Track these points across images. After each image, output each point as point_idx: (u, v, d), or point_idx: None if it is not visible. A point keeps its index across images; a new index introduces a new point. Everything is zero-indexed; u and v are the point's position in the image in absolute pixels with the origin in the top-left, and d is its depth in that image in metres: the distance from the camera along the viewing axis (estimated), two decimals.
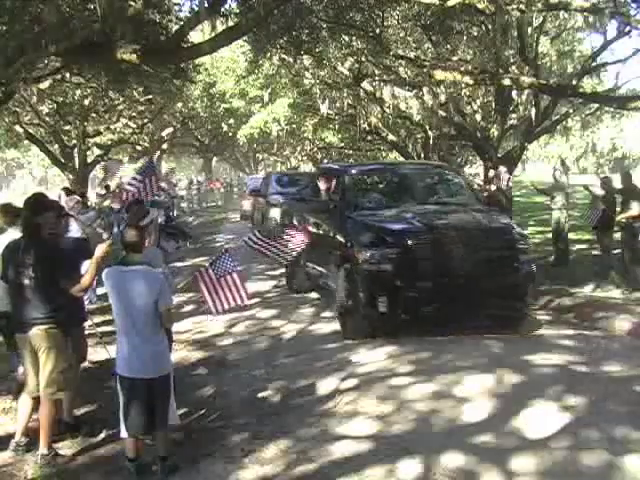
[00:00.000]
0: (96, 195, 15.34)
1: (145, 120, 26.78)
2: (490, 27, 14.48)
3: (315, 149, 31.52)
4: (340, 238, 7.34)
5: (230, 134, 33.97)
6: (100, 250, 4.15)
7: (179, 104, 26.76)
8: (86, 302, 5.73)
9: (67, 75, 15.21)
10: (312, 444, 4.25)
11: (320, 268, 8.19)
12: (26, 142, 23.94)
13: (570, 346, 6.24)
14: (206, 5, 8.67)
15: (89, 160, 24.74)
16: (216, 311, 5.34)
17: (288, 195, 13.43)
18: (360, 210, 7.47)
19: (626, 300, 8.26)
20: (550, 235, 11.48)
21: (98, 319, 6.77)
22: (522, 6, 11.47)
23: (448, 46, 15.96)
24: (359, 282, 6.62)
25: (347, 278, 6.91)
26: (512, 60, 15.48)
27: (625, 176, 9.46)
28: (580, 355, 5.90)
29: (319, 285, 8.62)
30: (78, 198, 8.94)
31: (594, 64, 16.07)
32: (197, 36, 11.20)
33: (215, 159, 47.17)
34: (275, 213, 13.22)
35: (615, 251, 9.62)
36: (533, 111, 15.92)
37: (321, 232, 8.00)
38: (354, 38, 15.23)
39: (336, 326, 7.36)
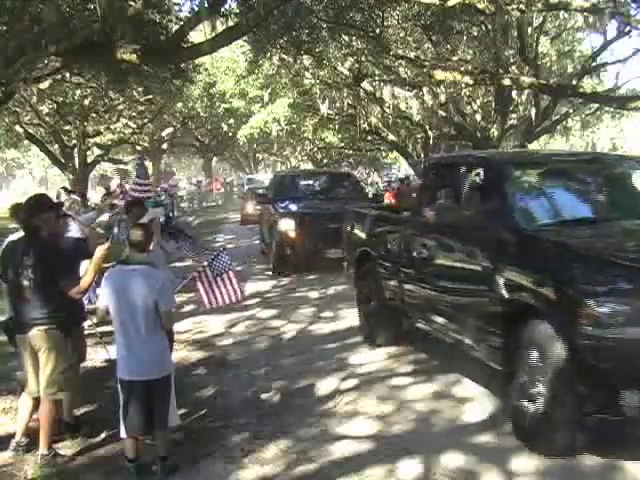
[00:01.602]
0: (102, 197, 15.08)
1: (145, 120, 26.86)
2: (490, 27, 14.52)
3: (315, 149, 31.57)
4: (513, 274, 4.15)
5: (230, 134, 34.01)
6: (99, 252, 4.15)
7: (179, 104, 26.81)
8: (86, 302, 5.72)
9: (67, 75, 15.26)
10: (312, 444, 4.25)
11: (452, 324, 5.06)
12: (26, 142, 24.03)
13: None
14: (206, 5, 8.69)
15: (89, 160, 24.79)
16: (210, 304, 5.39)
17: (304, 201, 11.31)
18: (541, 227, 4.44)
19: None
20: None
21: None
22: (522, 6, 11.50)
23: (448, 46, 15.99)
24: (582, 358, 3.59)
25: (541, 350, 3.85)
26: (512, 60, 15.51)
27: None
28: None
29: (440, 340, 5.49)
30: (75, 198, 8.94)
31: (594, 64, 16.10)
32: (197, 36, 11.20)
33: (215, 159, 47.20)
34: (287, 225, 10.61)
35: None
36: (533, 111, 15.95)
37: (452, 262, 5.00)
38: (354, 38, 15.26)
39: (336, 326, 7.34)
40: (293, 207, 11.03)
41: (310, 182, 13.09)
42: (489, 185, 4.99)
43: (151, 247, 4.20)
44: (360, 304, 6.80)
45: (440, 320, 5.24)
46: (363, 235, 6.85)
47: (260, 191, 15.64)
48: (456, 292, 4.95)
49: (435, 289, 5.24)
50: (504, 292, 4.20)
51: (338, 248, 9.49)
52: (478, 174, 5.23)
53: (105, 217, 8.62)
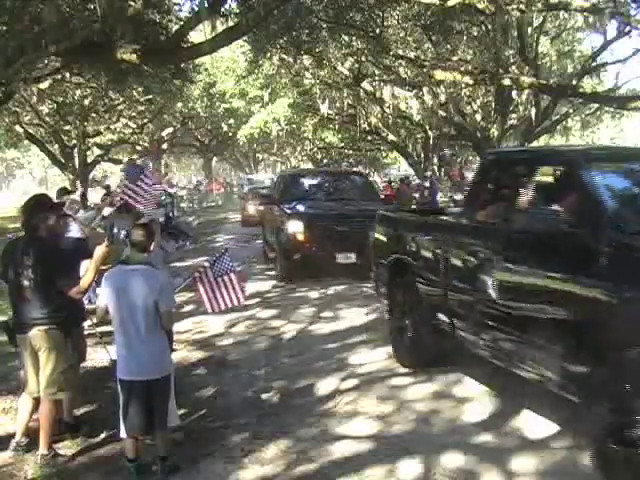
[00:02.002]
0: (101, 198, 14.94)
1: (145, 120, 26.90)
2: (490, 27, 14.55)
3: (315, 149, 31.62)
4: (604, 292, 3.38)
5: (230, 134, 34.05)
6: (99, 252, 4.15)
7: (179, 104, 26.85)
8: (86, 302, 5.72)
9: (67, 75, 15.29)
10: (312, 444, 4.25)
11: (520, 349, 4.15)
12: (26, 142, 24.06)
13: None
14: (206, 5, 8.70)
15: (89, 160, 24.82)
16: (212, 309, 5.38)
17: (313, 202, 10.62)
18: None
19: None
20: None
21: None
22: (522, 6, 11.51)
23: (448, 46, 16.03)
24: None
25: None
26: (512, 60, 15.54)
27: None
28: None
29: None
30: (74, 197, 8.92)
31: (594, 64, 16.14)
32: (197, 36, 11.21)
33: (215, 159, 47.24)
34: (295, 227, 9.81)
35: None
36: (533, 111, 15.99)
37: (520, 274, 4.15)
38: (354, 38, 15.29)
39: (336, 326, 7.33)
40: (301, 208, 10.27)
41: (319, 182, 12.05)
42: (575, 185, 3.98)
43: (151, 247, 4.19)
44: (393, 320, 6.01)
45: (503, 345, 4.34)
46: (397, 241, 6.00)
47: (264, 191, 14.99)
48: (527, 309, 4.04)
49: (497, 305, 4.28)
50: (596, 312, 3.45)
51: (350, 252, 9.33)
52: (562, 172, 4.21)
53: (107, 212, 8.59)
